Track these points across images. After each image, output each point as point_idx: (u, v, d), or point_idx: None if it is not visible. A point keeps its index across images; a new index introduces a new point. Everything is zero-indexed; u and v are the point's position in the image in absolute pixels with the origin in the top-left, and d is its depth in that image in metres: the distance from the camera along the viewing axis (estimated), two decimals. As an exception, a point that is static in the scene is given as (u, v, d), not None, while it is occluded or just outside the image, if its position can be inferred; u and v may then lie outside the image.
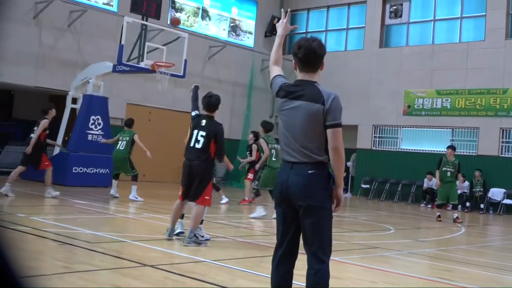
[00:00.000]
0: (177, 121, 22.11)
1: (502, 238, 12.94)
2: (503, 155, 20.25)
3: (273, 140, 12.01)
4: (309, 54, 3.82)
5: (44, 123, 11.98)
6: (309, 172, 3.69)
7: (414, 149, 22.38)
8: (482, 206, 19.41)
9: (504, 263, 8.62)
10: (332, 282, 5.85)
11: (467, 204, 19.63)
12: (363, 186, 22.84)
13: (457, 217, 14.48)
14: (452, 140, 21.56)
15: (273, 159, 11.77)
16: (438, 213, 14.88)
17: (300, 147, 3.75)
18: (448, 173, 14.54)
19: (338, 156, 3.78)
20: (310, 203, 3.67)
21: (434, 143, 22.07)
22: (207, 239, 7.74)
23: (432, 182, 20.70)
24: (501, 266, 8.29)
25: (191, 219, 7.48)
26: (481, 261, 8.47)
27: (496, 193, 19.47)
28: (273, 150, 11.85)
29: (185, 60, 17.42)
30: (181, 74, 17.46)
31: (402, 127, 22.88)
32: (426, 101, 22.22)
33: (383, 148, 23.23)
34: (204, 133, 7.50)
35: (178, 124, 22.09)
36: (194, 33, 22.10)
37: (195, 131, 7.56)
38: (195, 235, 7.44)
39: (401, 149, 22.76)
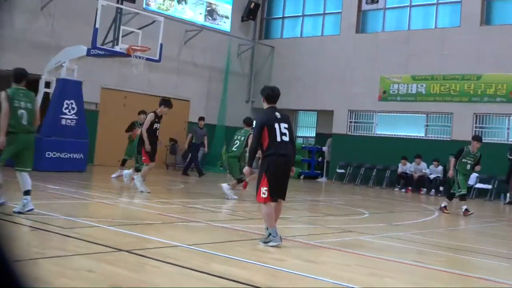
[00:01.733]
0: (153, 106, 21.90)
1: (474, 222, 13.12)
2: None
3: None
4: None
5: (150, 116, 12.50)
6: None
7: (389, 134, 22.59)
8: (455, 190, 19.65)
9: (476, 246, 8.76)
10: (307, 266, 5.91)
11: (441, 188, 19.91)
12: (339, 170, 22.99)
13: (466, 209, 13.13)
14: (427, 125, 21.82)
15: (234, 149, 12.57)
16: (465, 207, 13.22)
17: None
18: (468, 166, 13.44)
19: None
20: None
21: (408, 128, 22.29)
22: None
23: (406, 166, 20.94)
24: (473, 249, 8.43)
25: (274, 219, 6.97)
26: (454, 244, 8.60)
27: (472, 178, 19.71)
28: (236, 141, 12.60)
29: (161, 44, 17.27)
30: (157, 58, 17.32)
31: (377, 113, 23.03)
32: (402, 86, 22.38)
33: (359, 133, 23.39)
34: (286, 125, 7.09)
35: (153, 108, 21.95)
36: (170, 17, 21.89)
37: (276, 125, 6.99)
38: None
39: (376, 134, 22.94)
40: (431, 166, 20.42)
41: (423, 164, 20.55)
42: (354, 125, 23.61)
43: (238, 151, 12.47)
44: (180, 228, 8.20)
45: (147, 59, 16.82)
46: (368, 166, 22.25)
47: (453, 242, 8.83)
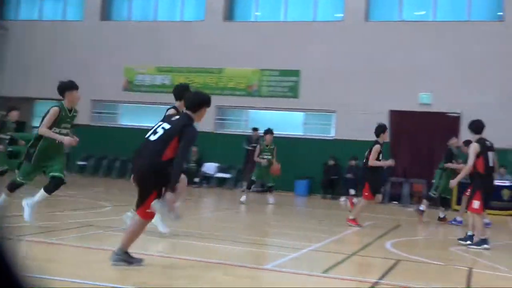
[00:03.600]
0: None
1: (214, 209, 13.51)
2: (217, 132, 21.28)
3: None
4: None
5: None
6: None
7: (134, 125, 22.22)
8: (196, 180, 20.15)
9: (218, 233, 8.86)
10: (46, 266, 5.18)
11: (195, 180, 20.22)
12: (80, 163, 21.87)
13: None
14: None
15: None
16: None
17: None
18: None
19: None
20: None
21: (153, 120, 22.11)
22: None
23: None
24: (214, 236, 8.50)
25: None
26: (195, 232, 8.53)
27: (210, 167, 20.41)
28: None
29: None
30: None
31: (122, 103, 22.49)
32: (147, 77, 22.20)
33: (102, 123, 22.56)
34: (165, 124, 5.79)
35: None
36: None
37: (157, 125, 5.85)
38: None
39: (121, 125, 22.38)
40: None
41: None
42: (98, 116, 22.77)
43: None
44: None
45: None
46: (111, 157, 21.61)
47: (194, 231, 8.77)
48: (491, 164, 9.17)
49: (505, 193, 15.96)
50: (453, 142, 13.15)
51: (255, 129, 19.29)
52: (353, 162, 18.52)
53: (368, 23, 20.14)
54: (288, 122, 20.53)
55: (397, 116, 19.10)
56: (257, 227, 10.86)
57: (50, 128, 7.65)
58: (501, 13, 19.03)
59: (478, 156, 9.03)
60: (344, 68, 19.67)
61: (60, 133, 7.70)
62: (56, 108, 7.80)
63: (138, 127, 22.09)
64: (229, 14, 21.95)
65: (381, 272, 6.56)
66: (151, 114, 22.34)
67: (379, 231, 10.40)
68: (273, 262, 6.78)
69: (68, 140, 7.69)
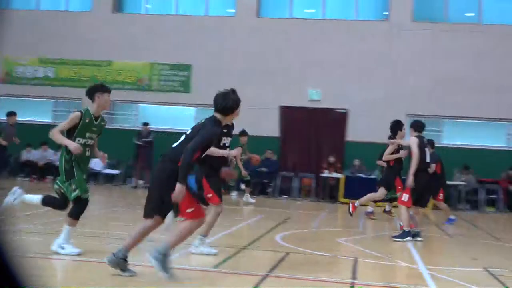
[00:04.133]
0: None
1: (103, 207, 12.99)
2: (105, 126, 20.51)
3: None
4: None
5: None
6: None
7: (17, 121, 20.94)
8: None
9: (108, 231, 8.51)
10: None
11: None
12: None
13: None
14: (55, 111, 21.01)
15: None
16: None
17: None
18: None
19: None
20: None
21: (35, 114, 21.07)
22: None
23: (30, 154, 19.81)
24: (105, 235, 8.13)
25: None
26: (89, 231, 8.11)
27: (97, 164, 19.53)
28: None
29: None
30: None
31: (0, 96, 21.13)
32: (28, 69, 21.02)
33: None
34: (188, 130, 6.01)
35: None
36: None
37: None
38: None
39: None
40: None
41: (50, 151, 19.71)
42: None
43: None
44: None
45: None
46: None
47: (83, 230, 8.34)
48: (428, 159, 9.41)
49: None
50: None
51: (145, 124, 18.83)
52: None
53: (260, 19, 20.27)
54: (179, 117, 20.18)
55: (287, 111, 19.40)
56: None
57: (70, 137, 6.62)
58: (387, 13, 19.85)
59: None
60: (236, 63, 19.66)
61: (85, 144, 6.68)
62: (77, 113, 6.67)
63: (20, 122, 20.86)
64: (118, 6, 21.24)
65: (271, 265, 6.55)
66: (33, 108, 21.22)
67: (269, 224, 10.46)
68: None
69: (75, 147, 6.47)
